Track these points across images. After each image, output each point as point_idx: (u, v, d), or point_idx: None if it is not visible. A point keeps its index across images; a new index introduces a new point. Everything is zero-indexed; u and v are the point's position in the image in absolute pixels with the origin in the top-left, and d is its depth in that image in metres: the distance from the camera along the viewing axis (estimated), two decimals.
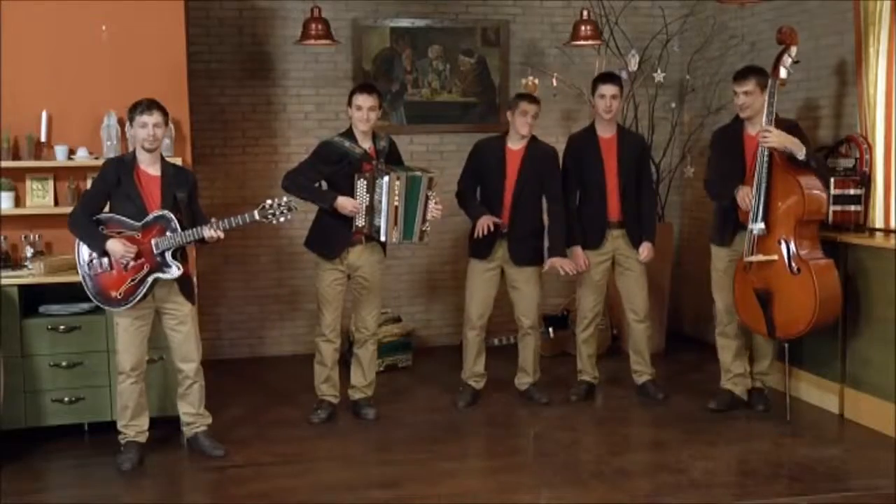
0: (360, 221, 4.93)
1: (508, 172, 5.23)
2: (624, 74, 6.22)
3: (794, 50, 4.84)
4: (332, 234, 5.01)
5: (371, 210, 4.92)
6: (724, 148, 5.11)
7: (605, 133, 5.34)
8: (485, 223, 5.15)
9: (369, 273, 5.11)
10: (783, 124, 4.85)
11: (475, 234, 5.19)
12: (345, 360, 5.48)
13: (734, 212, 4.99)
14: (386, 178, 4.88)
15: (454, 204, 5.42)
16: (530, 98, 5.32)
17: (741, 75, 4.96)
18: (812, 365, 5.26)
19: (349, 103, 5.02)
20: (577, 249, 5.35)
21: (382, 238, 4.97)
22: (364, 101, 4.94)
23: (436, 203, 5.00)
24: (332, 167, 4.94)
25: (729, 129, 5.18)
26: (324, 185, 5.03)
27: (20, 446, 4.57)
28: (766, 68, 4.96)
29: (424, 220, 4.99)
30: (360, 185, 4.89)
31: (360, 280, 5.11)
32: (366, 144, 4.99)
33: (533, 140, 5.30)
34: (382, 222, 4.92)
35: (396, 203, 4.90)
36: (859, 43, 5.07)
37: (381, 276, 5.25)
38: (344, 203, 4.87)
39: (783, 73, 4.83)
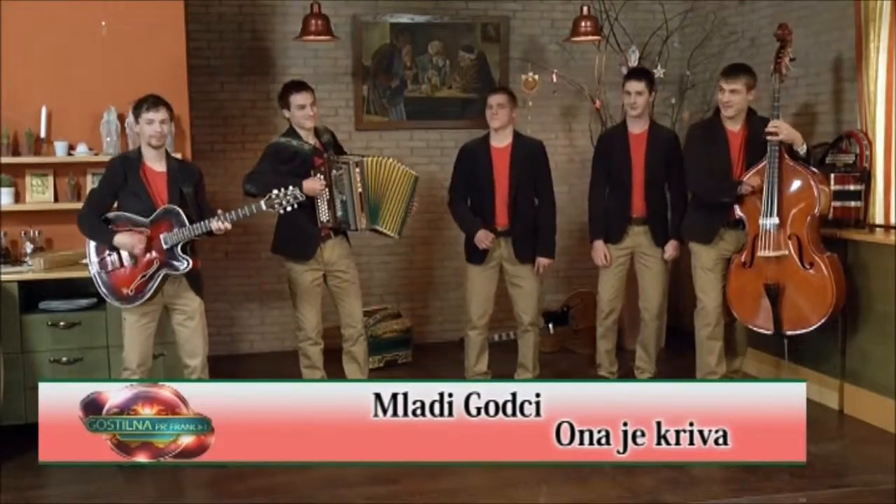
0: (324, 216, 4.93)
1: (498, 172, 5.21)
2: (624, 70, 6.22)
3: (790, 48, 4.86)
4: (302, 234, 4.99)
5: (333, 202, 4.92)
6: (708, 144, 5.04)
7: (636, 129, 5.30)
8: (483, 239, 5.16)
9: (346, 265, 5.12)
10: (763, 122, 4.88)
11: (478, 248, 5.20)
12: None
13: (722, 210, 4.99)
14: (344, 166, 4.90)
15: None
16: (494, 90, 5.37)
17: (732, 73, 4.93)
18: (812, 361, 5.26)
19: (286, 105, 4.98)
20: (598, 243, 5.34)
21: (352, 227, 4.97)
22: (305, 98, 4.93)
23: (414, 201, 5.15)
24: (288, 166, 4.90)
25: (709, 124, 5.13)
26: None
27: (20, 442, 4.56)
28: (766, 65, 4.96)
29: (406, 216, 5.09)
30: (318, 179, 4.89)
31: (339, 275, 5.11)
32: (311, 140, 4.99)
33: (518, 136, 5.29)
34: (349, 211, 4.93)
35: (360, 190, 4.91)
36: (860, 39, 5.07)
37: (356, 267, 5.26)
38: (312, 185, 4.84)
39: (783, 70, 4.84)
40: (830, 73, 5.52)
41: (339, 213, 4.95)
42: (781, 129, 4.75)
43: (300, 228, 4.96)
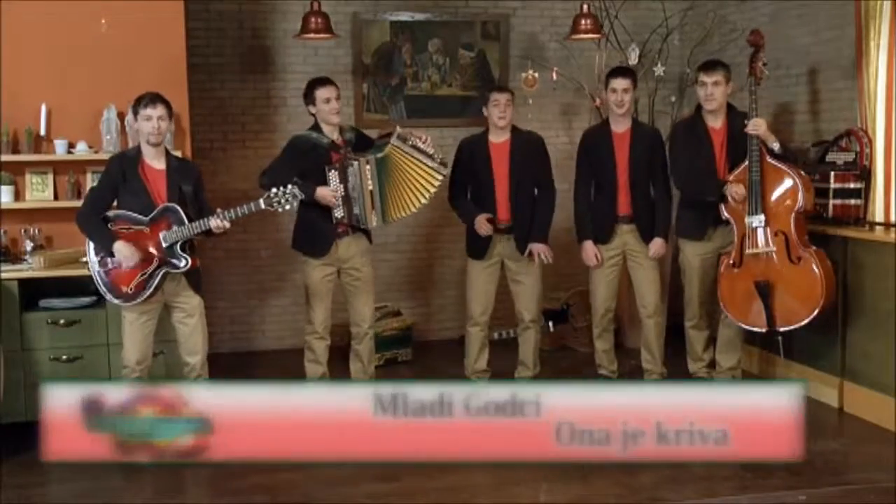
0: (339, 213, 4.94)
1: (497, 168, 5.21)
2: None
3: (763, 52, 4.95)
4: (318, 231, 5.01)
5: (348, 199, 4.93)
6: (692, 142, 5.10)
7: (619, 128, 5.29)
8: (482, 223, 5.15)
9: (360, 263, 5.12)
10: (742, 117, 4.93)
11: (479, 234, 5.19)
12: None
13: (712, 207, 5.01)
14: (356, 164, 4.89)
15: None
16: (499, 88, 5.39)
17: (710, 66, 5.04)
18: (811, 359, 5.27)
19: (311, 101, 4.98)
20: (587, 244, 5.33)
21: (363, 224, 4.98)
22: (330, 92, 4.94)
23: (422, 140, 5.01)
24: (304, 160, 4.91)
25: (691, 122, 5.20)
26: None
27: (21, 440, 4.57)
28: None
29: (430, 156, 4.99)
30: (332, 175, 4.90)
31: (352, 272, 5.11)
32: (333, 136, 4.99)
33: (516, 130, 5.30)
34: (361, 209, 4.93)
35: (371, 188, 4.91)
36: (860, 37, 5.07)
37: (372, 266, 5.25)
38: (323, 193, 4.87)
39: (758, 73, 4.92)
40: (830, 71, 5.51)
41: (355, 211, 4.96)
42: (760, 125, 4.80)
43: (316, 225, 4.99)
